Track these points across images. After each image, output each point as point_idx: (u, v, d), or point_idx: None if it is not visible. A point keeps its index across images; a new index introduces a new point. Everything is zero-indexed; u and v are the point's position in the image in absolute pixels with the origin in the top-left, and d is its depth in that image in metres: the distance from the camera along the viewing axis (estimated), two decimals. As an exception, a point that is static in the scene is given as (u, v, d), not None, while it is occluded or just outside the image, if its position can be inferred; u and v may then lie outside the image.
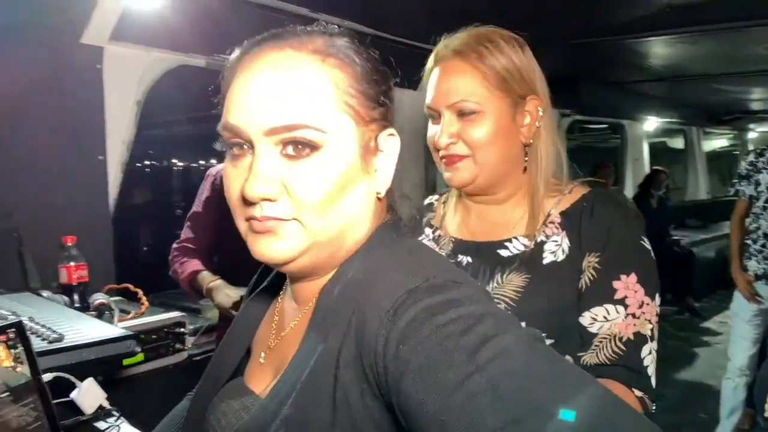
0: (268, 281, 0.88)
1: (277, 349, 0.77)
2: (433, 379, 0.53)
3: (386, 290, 0.61)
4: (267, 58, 0.66)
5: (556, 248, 1.08)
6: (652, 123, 7.16)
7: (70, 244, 1.92)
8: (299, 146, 0.64)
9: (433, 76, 1.12)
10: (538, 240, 1.10)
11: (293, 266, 0.68)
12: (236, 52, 0.70)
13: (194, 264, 2.13)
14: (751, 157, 3.21)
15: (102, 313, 1.84)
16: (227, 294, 2.00)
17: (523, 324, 1.02)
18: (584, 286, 1.04)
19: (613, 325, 1.01)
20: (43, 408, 0.95)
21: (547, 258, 1.08)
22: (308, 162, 0.64)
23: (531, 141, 1.11)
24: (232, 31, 2.63)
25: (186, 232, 2.21)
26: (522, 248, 1.11)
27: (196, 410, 0.81)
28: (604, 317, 1.02)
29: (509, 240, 1.13)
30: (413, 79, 1.16)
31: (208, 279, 2.08)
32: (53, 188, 2.02)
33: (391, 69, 0.74)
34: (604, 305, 1.02)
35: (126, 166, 2.36)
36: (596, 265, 1.04)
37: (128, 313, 2.04)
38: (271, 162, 0.64)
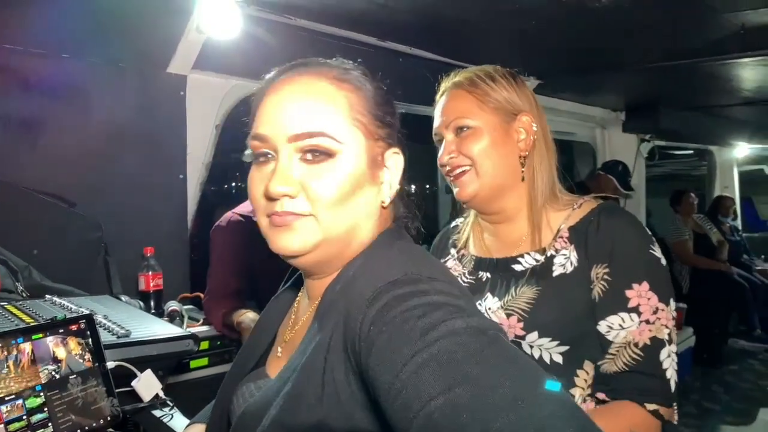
0: (290, 283, 0.98)
1: (291, 340, 0.87)
2: (390, 354, 0.61)
3: (370, 282, 0.70)
4: (294, 81, 0.78)
5: (565, 261, 1.13)
6: (743, 149, 6.79)
7: (149, 255, 2.10)
8: (316, 152, 0.75)
9: (437, 106, 1.26)
10: (549, 254, 1.16)
11: (305, 260, 0.78)
12: (266, 77, 0.82)
13: (223, 305, 2.13)
14: None
15: (174, 318, 1.99)
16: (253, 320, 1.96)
17: (536, 333, 1.11)
18: (597, 297, 1.09)
19: (629, 333, 1.05)
20: (106, 391, 1.06)
21: (557, 270, 1.14)
22: (324, 165, 0.75)
23: (527, 153, 1.20)
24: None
25: (211, 285, 2.21)
26: (534, 262, 1.17)
27: (223, 393, 0.92)
28: (620, 325, 1.06)
29: (522, 255, 1.19)
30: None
31: (238, 313, 2.07)
32: (137, 203, 2.21)
33: (394, 103, 0.86)
34: (619, 314, 1.07)
35: (204, 186, 2.55)
36: (606, 276, 1.08)
37: (198, 320, 2.18)
38: (292, 164, 0.75)
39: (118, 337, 1.25)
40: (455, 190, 1.22)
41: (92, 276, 2.04)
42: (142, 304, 1.94)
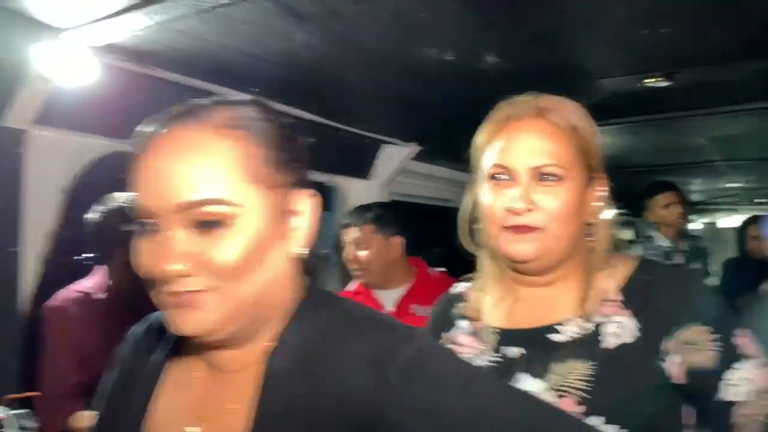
0: (161, 351, 0.84)
1: (217, 422, 0.75)
2: (440, 414, 0.65)
3: (361, 349, 0.69)
4: (174, 137, 0.69)
5: (620, 329, 0.96)
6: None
7: (-35, 349, 1.66)
8: (209, 220, 0.67)
9: (504, 133, 1.02)
10: (596, 321, 0.98)
11: (220, 335, 0.70)
12: (143, 129, 0.72)
13: (63, 407, 1.75)
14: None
15: (-3, 431, 1.56)
16: None
17: (602, 419, 0.91)
18: (717, 358, 0.94)
19: (753, 383, 0.94)
20: None
21: (611, 341, 0.96)
22: (221, 233, 0.67)
23: (596, 221, 1.04)
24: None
25: (46, 381, 1.82)
26: (578, 331, 0.98)
27: None
28: (744, 378, 0.94)
29: (560, 323, 1.00)
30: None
31: (85, 417, 1.69)
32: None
33: (303, 134, 0.79)
34: (740, 366, 0.95)
35: (49, 259, 2.14)
36: (710, 333, 0.94)
37: (32, 430, 1.74)
38: (182, 237, 0.67)
39: None
40: (511, 247, 0.99)
41: None
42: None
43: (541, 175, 0.99)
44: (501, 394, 0.70)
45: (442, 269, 2.75)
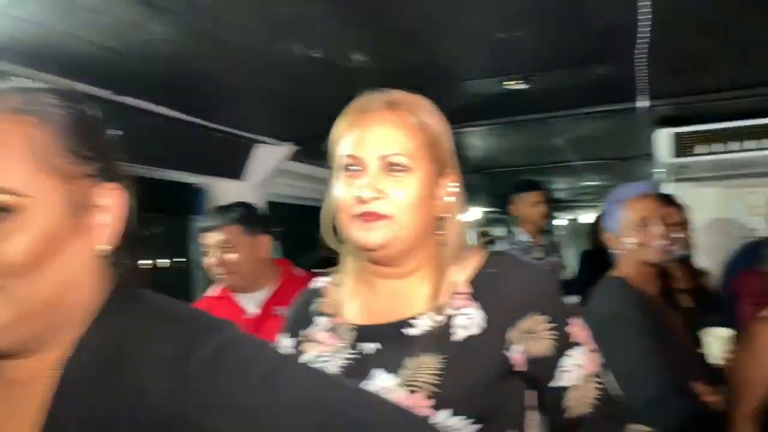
0: None
1: None
2: (236, 405, 0.62)
3: (163, 346, 0.65)
4: None
5: (468, 321, 0.99)
6: (477, 212, 7.64)
7: None
8: None
9: (355, 125, 1.04)
10: (447, 314, 1.00)
11: (7, 342, 0.64)
12: None
13: None
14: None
15: None
16: None
17: (449, 411, 0.93)
18: (552, 349, 1.01)
19: (584, 368, 1.02)
20: None
21: (459, 333, 0.99)
22: (6, 227, 0.62)
23: (447, 216, 1.07)
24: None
25: None
26: (430, 325, 1.00)
27: None
28: (576, 365, 1.02)
29: (414, 317, 1.01)
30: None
31: None
32: None
33: (104, 127, 0.75)
34: (572, 354, 1.02)
35: None
36: (548, 322, 1.00)
37: None
38: None
39: None
40: (360, 235, 1.00)
41: None
42: None
43: (389, 165, 1.02)
44: (311, 383, 0.67)
45: (322, 271, 2.72)
